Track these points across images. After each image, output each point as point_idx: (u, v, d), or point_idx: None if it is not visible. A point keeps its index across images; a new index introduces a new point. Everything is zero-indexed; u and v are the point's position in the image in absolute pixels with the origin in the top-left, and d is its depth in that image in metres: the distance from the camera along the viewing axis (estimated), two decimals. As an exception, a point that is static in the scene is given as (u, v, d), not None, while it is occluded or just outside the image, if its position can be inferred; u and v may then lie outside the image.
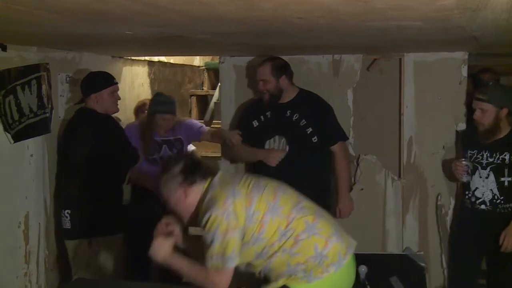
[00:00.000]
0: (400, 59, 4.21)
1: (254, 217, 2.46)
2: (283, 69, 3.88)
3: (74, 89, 4.11)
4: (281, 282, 2.51)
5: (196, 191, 2.54)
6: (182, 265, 2.53)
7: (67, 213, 3.65)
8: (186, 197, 2.53)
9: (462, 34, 2.95)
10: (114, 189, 3.82)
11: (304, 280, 2.48)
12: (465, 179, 3.68)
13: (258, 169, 3.78)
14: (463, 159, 3.70)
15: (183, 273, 2.54)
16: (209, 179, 2.56)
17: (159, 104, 4.27)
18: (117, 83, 3.85)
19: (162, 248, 2.54)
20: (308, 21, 2.50)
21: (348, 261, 2.57)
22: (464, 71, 4.10)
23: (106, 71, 3.93)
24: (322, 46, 3.76)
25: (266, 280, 2.57)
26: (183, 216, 2.59)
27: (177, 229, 2.62)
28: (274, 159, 3.78)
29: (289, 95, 3.90)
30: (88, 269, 3.68)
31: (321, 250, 2.50)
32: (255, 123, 3.98)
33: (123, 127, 4.18)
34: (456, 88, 4.11)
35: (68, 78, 4.13)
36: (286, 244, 2.48)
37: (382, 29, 2.76)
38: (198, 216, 2.53)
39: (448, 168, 3.93)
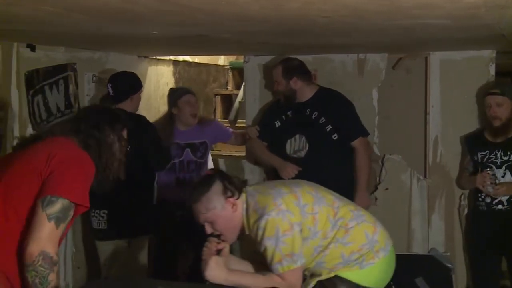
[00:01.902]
0: (426, 58, 4.18)
1: (305, 209, 2.46)
2: (294, 70, 3.86)
3: (100, 88, 4.16)
4: (333, 274, 2.52)
5: (240, 204, 2.48)
6: (245, 279, 2.46)
7: (104, 213, 3.59)
8: (235, 212, 2.47)
9: (489, 32, 2.92)
10: (149, 189, 3.83)
11: (356, 266, 2.51)
12: (491, 189, 3.63)
13: None
14: (488, 169, 3.65)
15: (248, 287, 2.44)
16: (244, 190, 2.53)
17: (177, 91, 4.09)
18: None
19: (219, 268, 2.41)
20: (334, 20, 2.50)
21: (391, 247, 2.62)
22: (492, 70, 4.05)
23: (132, 70, 3.95)
24: (346, 45, 3.75)
25: (314, 276, 2.56)
26: (232, 232, 2.50)
27: (226, 247, 2.50)
28: (288, 174, 3.78)
29: (307, 94, 3.89)
30: (121, 269, 3.66)
31: (371, 236, 2.54)
32: (277, 123, 3.98)
33: None
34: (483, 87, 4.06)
35: (94, 78, 4.18)
36: (338, 234, 2.49)
37: (407, 27, 2.75)
38: (243, 228, 2.50)
39: (466, 180, 3.89)
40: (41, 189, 2.00)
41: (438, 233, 4.22)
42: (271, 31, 2.87)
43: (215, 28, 2.83)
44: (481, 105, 4.04)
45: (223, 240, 2.48)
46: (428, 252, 4.15)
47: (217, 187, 2.44)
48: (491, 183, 3.60)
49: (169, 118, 4.04)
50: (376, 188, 4.26)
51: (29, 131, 3.67)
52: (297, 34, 3.01)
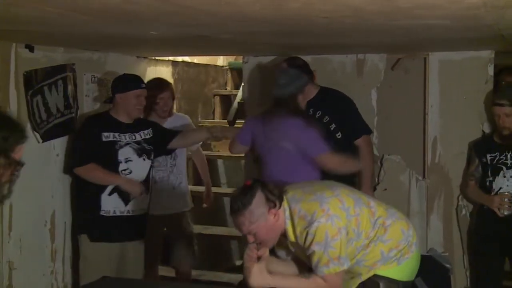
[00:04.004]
0: (425, 58, 4.18)
1: (349, 212, 2.50)
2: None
3: (100, 89, 4.16)
4: (372, 272, 2.57)
5: (281, 212, 2.50)
6: (288, 282, 2.52)
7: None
8: (278, 220, 2.48)
9: (489, 33, 2.93)
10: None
11: (394, 263, 2.57)
12: (506, 212, 3.63)
13: None
14: (506, 193, 3.65)
15: None
16: (284, 197, 2.53)
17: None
18: (144, 87, 3.73)
19: (262, 276, 2.45)
20: (334, 21, 2.50)
21: (417, 240, 2.72)
22: (491, 70, 4.06)
23: (131, 71, 3.95)
24: (346, 45, 3.76)
25: (353, 276, 2.60)
26: (273, 239, 2.53)
27: (266, 252, 2.54)
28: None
29: (310, 94, 3.88)
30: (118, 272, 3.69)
31: (407, 231, 2.63)
32: None
33: None
34: (482, 88, 4.07)
35: (94, 78, 4.18)
36: (379, 232, 2.55)
37: (408, 28, 2.75)
38: (285, 235, 2.52)
39: (477, 195, 3.86)
40: None
41: (436, 234, 4.22)
42: (271, 31, 2.88)
43: (215, 29, 2.83)
44: (481, 106, 4.06)
45: (263, 247, 2.50)
46: (427, 253, 4.15)
47: (259, 198, 2.43)
48: (509, 206, 3.61)
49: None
50: (375, 189, 4.25)
51: (28, 131, 3.66)
52: (298, 34, 3.02)
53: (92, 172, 3.60)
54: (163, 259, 4.36)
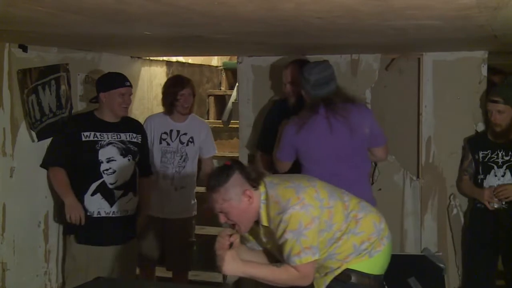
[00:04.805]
0: (419, 59, 4.19)
1: (323, 203, 2.50)
2: None
3: (93, 89, 4.15)
4: (344, 266, 2.58)
5: (257, 195, 2.49)
6: (261, 271, 2.50)
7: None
8: (252, 203, 2.48)
9: (482, 33, 2.94)
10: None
11: (366, 256, 2.58)
12: (496, 205, 3.68)
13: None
14: (495, 186, 3.68)
15: (264, 278, 2.49)
16: (262, 181, 2.53)
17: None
18: (129, 85, 3.68)
19: (236, 262, 2.44)
20: (328, 21, 2.50)
21: (390, 233, 2.73)
22: (484, 70, 4.07)
23: (125, 71, 3.93)
24: (340, 45, 3.76)
25: (326, 272, 2.60)
26: (246, 223, 2.50)
27: (237, 239, 2.52)
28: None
29: None
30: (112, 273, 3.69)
31: (378, 224, 2.64)
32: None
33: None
34: (475, 88, 4.08)
35: (87, 78, 4.17)
36: (350, 225, 2.57)
37: (401, 28, 2.76)
38: (259, 220, 2.51)
39: (469, 189, 3.91)
40: None
41: (430, 233, 4.23)
42: (265, 31, 2.88)
43: (209, 29, 2.83)
44: (475, 106, 4.07)
45: (236, 230, 2.50)
46: (421, 252, 4.17)
47: (235, 178, 2.44)
48: (499, 200, 3.65)
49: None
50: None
51: (22, 131, 3.65)
52: (292, 34, 3.02)
53: (54, 176, 3.62)
54: (160, 260, 4.32)
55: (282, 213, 2.42)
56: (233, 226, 2.50)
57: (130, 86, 3.70)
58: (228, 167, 2.47)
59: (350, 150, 3.33)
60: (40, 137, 3.70)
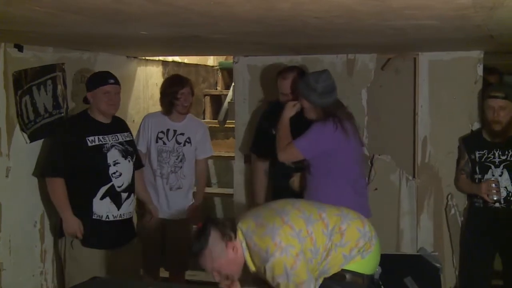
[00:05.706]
0: (415, 58, 4.20)
1: (301, 235, 2.55)
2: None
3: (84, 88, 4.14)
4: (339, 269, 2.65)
5: (238, 243, 2.57)
6: None
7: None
8: (237, 252, 2.56)
9: (478, 33, 2.94)
10: None
11: (359, 257, 2.65)
12: (495, 197, 3.66)
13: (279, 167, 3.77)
14: (492, 178, 3.68)
15: None
16: (238, 229, 2.60)
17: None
18: (113, 83, 3.59)
19: None
20: (326, 21, 2.51)
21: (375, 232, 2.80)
22: (480, 70, 4.08)
23: (121, 70, 3.93)
24: (336, 45, 3.76)
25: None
26: (238, 272, 2.60)
27: (238, 284, 2.63)
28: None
29: None
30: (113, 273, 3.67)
31: (363, 228, 2.70)
32: (274, 131, 3.75)
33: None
34: (471, 87, 4.09)
35: (83, 78, 4.15)
36: (336, 239, 2.62)
37: (398, 28, 2.76)
38: (246, 265, 2.59)
39: (466, 185, 3.91)
40: None
41: (426, 233, 4.23)
42: (262, 31, 2.87)
43: (206, 29, 2.83)
44: (470, 105, 4.08)
45: (231, 281, 2.58)
46: (417, 252, 4.18)
47: (214, 236, 2.51)
48: (496, 191, 3.63)
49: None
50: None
51: (18, 131, 3.64)
52: (289, 34, 3.02)
53: (53, 189, 3.54)
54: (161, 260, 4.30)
55: (265, 262, 2.50)
56: (226, 278, 2.58)
57: (116, 83, 3.62)
58: (203, 228, 2.55)
59: (360, 155, 3.60)
60: (33, 139, 3.69)
